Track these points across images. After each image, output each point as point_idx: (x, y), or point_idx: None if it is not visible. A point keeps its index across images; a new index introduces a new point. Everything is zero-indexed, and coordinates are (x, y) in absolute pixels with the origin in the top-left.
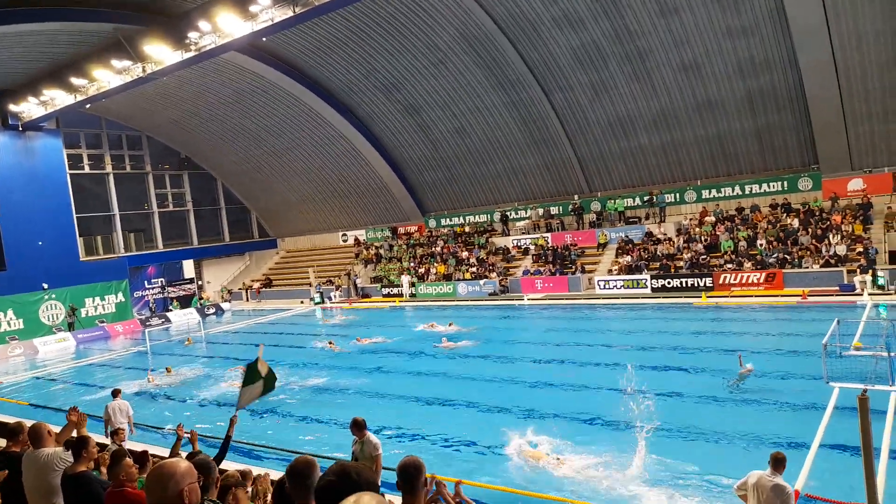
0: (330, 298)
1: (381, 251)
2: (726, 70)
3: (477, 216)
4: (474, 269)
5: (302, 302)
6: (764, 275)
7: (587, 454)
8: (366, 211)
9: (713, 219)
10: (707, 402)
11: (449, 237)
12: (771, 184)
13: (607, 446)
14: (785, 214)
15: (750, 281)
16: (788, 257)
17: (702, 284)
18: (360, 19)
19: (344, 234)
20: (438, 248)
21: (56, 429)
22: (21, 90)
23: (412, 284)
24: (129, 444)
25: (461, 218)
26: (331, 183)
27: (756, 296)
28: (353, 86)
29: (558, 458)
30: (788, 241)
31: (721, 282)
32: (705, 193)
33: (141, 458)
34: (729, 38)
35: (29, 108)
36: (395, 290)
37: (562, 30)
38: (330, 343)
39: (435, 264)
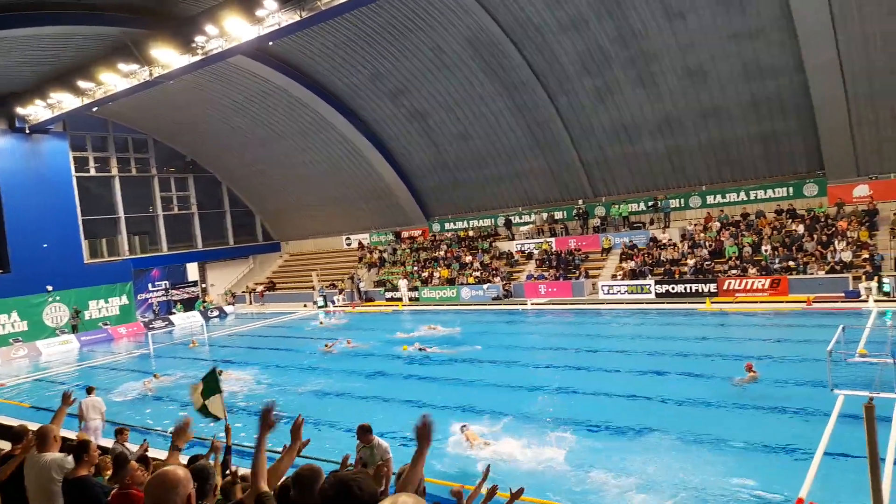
0: (333, 302)
1: (385, 255)
2: (731, 74)
3: (481, 220)
4: (478, 274)
5: (305, 305)
6: (769, 281)
7: (591, 458)
8: (370, 215)
9: (718, 224)
10: (710, 407)
11: (452, 241)
12: (776, 189)
13: (603, 451)
14: (790, 220)
15: (755, 287)
16: (793, 263)
17: (706, 290)
18: (366, 24)
19: (348, 238)
20: (442, 253)
21: (66, 433)
22: (28, 93)
23: (413, 289)
24: (105, 441)
25: (465, 222)
26: (335, 186)
27: (761, 302)
28: (359, 90)
29: (486, 443)
30: (794, 248)
31: (726, 288)
32: (710, 199)
33: (143, 460)
34: (734, 42)
35: (36, 111)
36: (398, 294)
37: (567, 34)
38: (326, 345)
39: (438, 268)
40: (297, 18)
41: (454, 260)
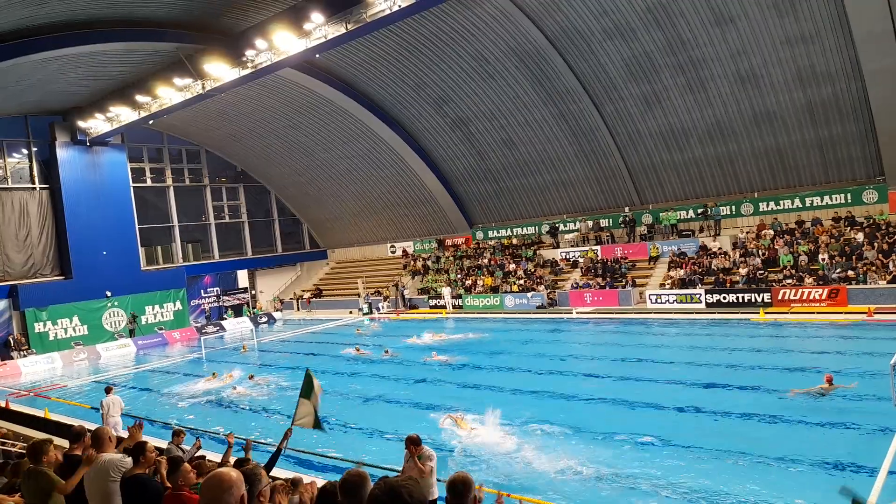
0: (378, 309)
1: (429, 263)
2: (785, 79)
3: (525, 228)
4: (522, 282)
5: (351, 312)
6: (826, 291)
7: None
8: (414, 223)
9: (771, 232)
10: (765, 421)
11: (496, 249)
12: (833, 196)
13: (650, 464)
14: (849, 228)
15: (811, 297)
16: (852, 273)
17: (759, 300)
18: (410, 35)
19: (392, 246)
20: (485, 260)
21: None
22: (89, 107)
23: (457, 296)
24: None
25: (509, 230)
26: (380, 195)
27: (818, 313)
28: (403, 99)
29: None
30: (853, 256)
31: (780, 298)
32: (763, 206)
33: (199, 465)
34: (788, 47)
35: (96, 125)
36: (441, 302)
37: (613, 41)
38: (357, 349)
39: (482, 276)
40: (343, 31)
41: (498, 268)
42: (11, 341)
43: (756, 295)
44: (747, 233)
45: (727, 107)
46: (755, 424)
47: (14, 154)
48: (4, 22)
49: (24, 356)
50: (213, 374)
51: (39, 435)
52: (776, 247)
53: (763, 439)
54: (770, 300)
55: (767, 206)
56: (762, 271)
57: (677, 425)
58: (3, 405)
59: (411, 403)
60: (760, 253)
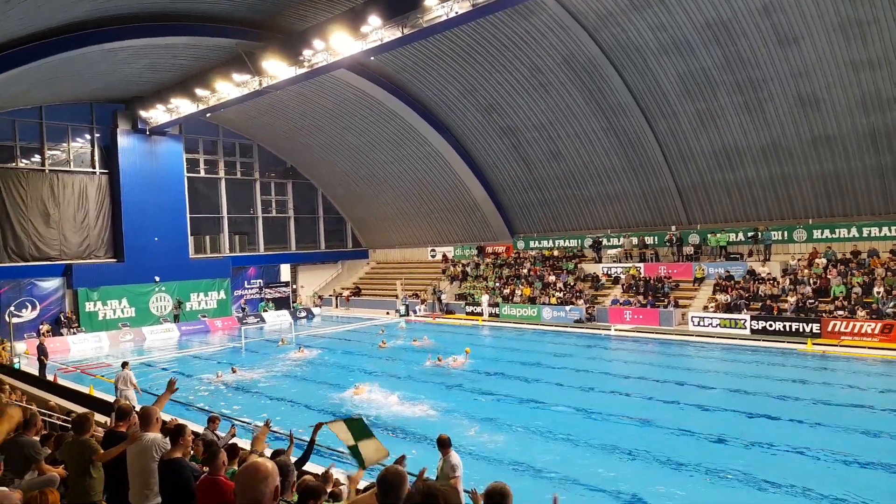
0: (415, 311)
1: (468, 269)
2: (848, 104)
3: (567, 240)
4: (560, 294)
5: (388, 313)
6: (879, 325)
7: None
8: (455, 228)
9: (824, 261)
10: (805, 457)
11: (537, 260)
12: (892, 228)
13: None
14: None
15: (863, 331)
16: None
17: (807, 330)
18: (464, 41)
19: (432, 250)
20: (525, 270)
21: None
22: (151, 98)
23: (494, 304)
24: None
25: (550, 241)
26: (424, 199)
27: (869, 348)
28: (452, 105)
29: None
30: None
31: (830, 329)
32: (817, 233)
33: (232, 449)
34: (853, 71)
35: (157, 115)
36: (478, 309)
37: (669, 56)
38: (382, 342)
39: (520, 286)
40: (399, 35)
41: (537, 279)
42: (63, 318)
43: (805, 325)
44: (798, 259)
45: (785, 128)
46: (791, 458)
47: (78, 139)
48: (81, 11)
49: (74, 333)
50: (234, 368)
51: (83, 410)
52: (828, 276)
53: (799, 475)
54: (819, 331)
55: (822, 233)
56: (812, 300)
57: (713, 454)
58: (52, 379)
59: (442, 410)
60: (811, 281)
